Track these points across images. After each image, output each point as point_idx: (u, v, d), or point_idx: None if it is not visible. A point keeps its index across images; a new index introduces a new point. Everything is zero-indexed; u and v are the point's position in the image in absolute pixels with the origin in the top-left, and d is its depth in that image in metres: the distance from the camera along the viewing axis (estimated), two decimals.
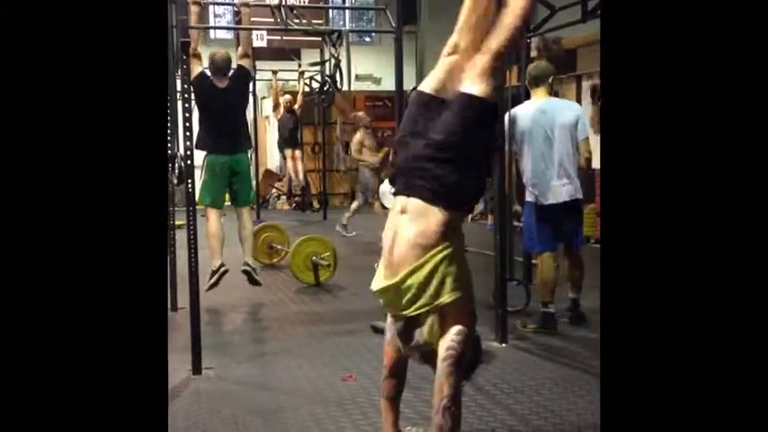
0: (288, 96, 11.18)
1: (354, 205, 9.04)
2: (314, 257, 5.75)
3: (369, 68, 13.40)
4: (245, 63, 5.42)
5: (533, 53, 8.02)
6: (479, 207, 10.00)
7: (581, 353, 3.81)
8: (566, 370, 3.55)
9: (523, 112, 4.29)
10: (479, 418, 2.94)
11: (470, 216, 10.08)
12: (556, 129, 4.18)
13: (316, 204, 11.90)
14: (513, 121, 4.29)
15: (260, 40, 9.71)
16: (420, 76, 6.70)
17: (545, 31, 5.85)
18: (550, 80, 4.44)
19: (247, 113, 5.64)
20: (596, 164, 4.78)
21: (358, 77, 12.73)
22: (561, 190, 4.16)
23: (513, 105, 5.79)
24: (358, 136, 9.02)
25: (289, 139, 11.12)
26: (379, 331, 4.30)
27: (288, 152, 11.17)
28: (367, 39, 14.45)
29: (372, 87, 13.73)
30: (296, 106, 11.19)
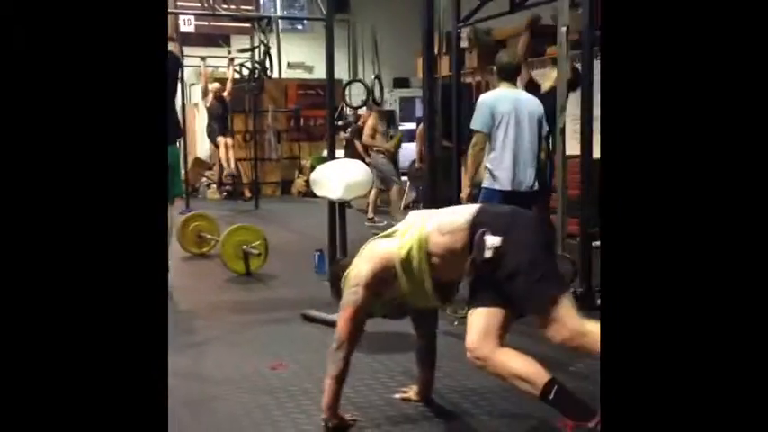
0: (217, 84, 10.98)
1: (373, 194, 8.76)
2: (244, 246, 5.69)
3: (301, 56, 13.33)
4: (172, 48, 5.31)
5: (464, 44, 8.13)
6: (413, 195, 10.07)
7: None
8: None
9: (502, 98, 4.28)
10: (407, 402, 2.97)
11: (403, 204, 10.14)
12: (529, 119, 4.24)
13: (247, 193, 11.76)
14: (489, 105, 4.23)
15: (187, 25, 9.51)
16: (353, 65, 6.70)
17: (475, 21, 5.94)
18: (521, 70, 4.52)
19: (176, 101, 5.53)
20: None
21: (290, 65, 12.63)
22: (528, 179, 4.24)
23: (445, 96, 5.85)
24: (370, 122, 8.80)
25: (219, 127, 10.95)
26: (310, 319, 4.30)
27: (220, 140, 11.00)
28: (299, 26, 14.34)
29: (304, 75, 13.65)
30: (225, 93, 11.01)
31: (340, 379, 2.65)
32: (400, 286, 2.59)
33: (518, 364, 2.39)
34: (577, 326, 2.40)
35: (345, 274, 2.73)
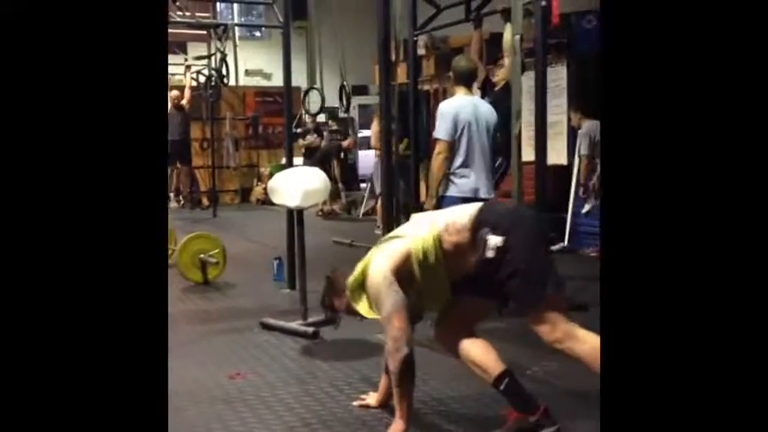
0: (175, 92, 10.86)
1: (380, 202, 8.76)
2: (202, 255, 5.63)
3: (259, 64, 13.24)
4: None
5: (421, 51, 8.18)
6: (371, 202, 10.09)
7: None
8: (452, 360, 3.61)
9: (463, 105, 4.21)
10: (367, 410, 2.97)
11: (361, 212, 10.16)
12: (486, 127, 4.20)
13: (205, 201, 11.65)
14: (452, 113, 4.16)
15: None
16: (311, 72, 6.70)
17: (431, 29, 5.99)
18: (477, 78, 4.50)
19: None
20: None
21: (248, 72, 12.53)
22: (489, 186, 4.23)
23: (402, 103, 5.88)
24: (375, 127, 8.86)
25: (177, 143, 10.79)
26: (269, 328, 4.28)
27: (176, 167, 10.96)
28: (257, 33, 14.24)
29: (263, 83, 13.57)
30: (184, 101, 10.91)
31: (413, 381, 2.55)
32: (418, 284, 2.56)
33: (477, 352, 2.58)
34: (569, 329, 2.45)
35: (355, 278, 2.65)
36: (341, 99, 5.57)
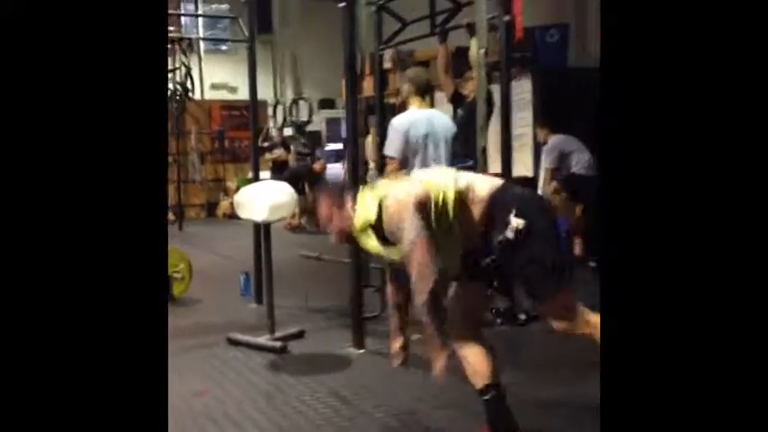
0: None
1: None
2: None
3: (225, 77, 13.18)
4: None
5: (387, 65, 8.22)
6: None
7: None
8: (420, 374, 3.62)
9: (416, 121, 4.12)
10: (334, 424, 2.96)
11: None
12: (443, 140, 4.14)
13: (171, 216, 11.53)
14: (403, 129, 4.06)
15: None
16: (279, 86, 6.71)
17: (396, 43, 6.03)
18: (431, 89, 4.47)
19: None
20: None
21: (214, 86, 12.48)
22: None
23: (368, 115, 5.91)
24: (369, 139, 8.81)
25: None
26: (235, 343, 4.23)
27: None
28: (223, 47, 14.18)
29: (228, 96, 13.51)
30: None
31: (444, 307, 2.45)
32: (432, 232, 2.41)
33: (478, 352, 2.53)
34: (581, 315, 2.42)
35: (366, 217, 2.50)
36: (290, 113, 5.55)
